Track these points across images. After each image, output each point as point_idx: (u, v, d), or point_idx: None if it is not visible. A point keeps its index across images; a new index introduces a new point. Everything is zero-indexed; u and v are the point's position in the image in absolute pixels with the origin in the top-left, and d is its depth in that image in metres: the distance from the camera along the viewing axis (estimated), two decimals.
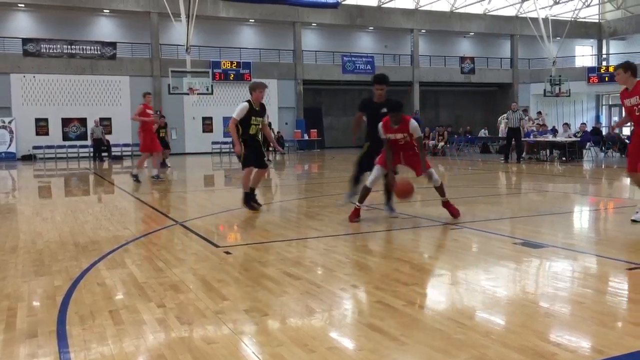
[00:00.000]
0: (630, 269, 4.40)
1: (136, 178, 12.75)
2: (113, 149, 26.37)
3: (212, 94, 25.82)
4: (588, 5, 36.69)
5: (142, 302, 3.76)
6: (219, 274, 4.46)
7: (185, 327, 3.29)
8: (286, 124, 31.17)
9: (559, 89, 32.70)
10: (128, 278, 4.40)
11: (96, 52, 28.09)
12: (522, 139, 18.37)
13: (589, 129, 20.25)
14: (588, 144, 19.19)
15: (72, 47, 27.60)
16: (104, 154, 25.02)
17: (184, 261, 5.01)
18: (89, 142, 25.71)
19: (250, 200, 7.93)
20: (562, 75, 33.04)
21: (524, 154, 18.49)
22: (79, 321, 3.41)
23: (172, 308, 3.63)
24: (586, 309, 3.50)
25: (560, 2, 34.19)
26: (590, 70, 36.57)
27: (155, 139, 13.37)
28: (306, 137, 31.80)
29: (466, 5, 34.31)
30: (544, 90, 33.12)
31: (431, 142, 22.96)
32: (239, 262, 4.95)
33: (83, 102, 27.79)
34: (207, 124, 30.45)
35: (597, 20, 39.83)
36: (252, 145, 7.84)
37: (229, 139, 30.80)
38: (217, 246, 5.59)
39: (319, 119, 34.03)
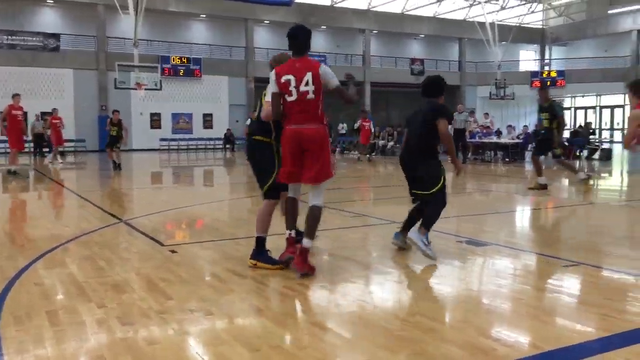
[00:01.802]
0: (567, 266, 4.58)
1: (13, 172, 13.41)
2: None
3: (160, 89, 25.25)
4: (532, 12, 38.02)
5: (81, 303, 3.64)
6: (163, 273, 4.37)
7: (127, 328, 3.20)
8: (237, 121, 30.86)
9: (504, 92, 33.77)
10: (67, 278, 4.25)
11: (38, 44, 26.99)
12: (468, 140, 18.83)
13: (530, 131, 20.97)
14: (530, 145, 19.86)
15: (13, 37, 26.41)
16: (45, 149, 24.07)
17: (127, 260, 4.88)
18: (29, 136, 24.67)
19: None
20: (507, 79, 34.12)
21: (469, 155, 18.97)
22: (14, 322, 3.27)
23: (114, 308, 3.53)
24: (525, 305, 3.63)
25: (506, 7, 35.28)
26: (534, 74, 37.90)
27: (22, 137, 14.07)
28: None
29: (417, 8, 34.92)
30: (490, 93, 34.12)
31: (381, 142, 23.25)
32: (185, 261, 4.86)
33: (24, 95, 26.54)
34: (155, 120, 29.81)
35: (540, 26, 41.32)
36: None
37: (177, 136, 30.35)
38: (162, 245, 5.48)
39: None
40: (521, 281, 4.26)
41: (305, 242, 4.24)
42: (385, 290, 4.07)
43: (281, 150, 4.39)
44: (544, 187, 9.86)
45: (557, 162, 10.49)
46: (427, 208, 5.06)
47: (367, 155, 20.12)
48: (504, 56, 34.89)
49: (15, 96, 13.96)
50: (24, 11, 27.67)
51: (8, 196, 10.74)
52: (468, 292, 4.01)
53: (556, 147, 9.87)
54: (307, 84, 4.14)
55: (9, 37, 26.36)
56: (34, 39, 26.93)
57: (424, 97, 5.28)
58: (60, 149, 19.53)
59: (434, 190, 5.00)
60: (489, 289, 4.10)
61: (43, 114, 24.12)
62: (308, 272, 4.18)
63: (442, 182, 5.01)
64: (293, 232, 4.51)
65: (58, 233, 6.14)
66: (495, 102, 34.49)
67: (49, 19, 28.47)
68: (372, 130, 20.47)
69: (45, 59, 27.01)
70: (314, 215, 4.30)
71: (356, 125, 20.08)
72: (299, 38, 4.38)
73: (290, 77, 4.19)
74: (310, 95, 4.15)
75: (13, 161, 13.89)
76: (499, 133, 21.89)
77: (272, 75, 4.29)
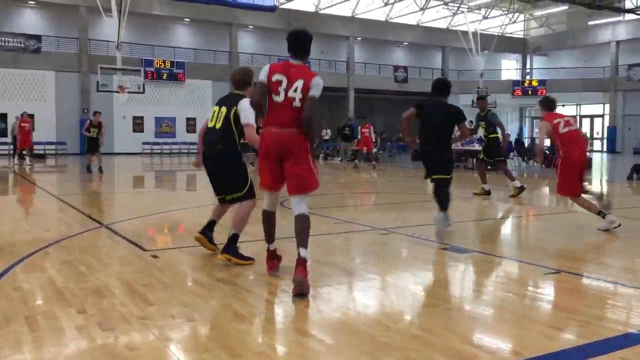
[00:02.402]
0: (547, 273, 4.64)
1: None
2: (35, 146, 25.00)
3: (143, 92, 25.07)
4: (514, 22, 38.56)
5: (61, 308, 3.58)
6: (145, 279, 4.33)
7: (108, 334, 3.16)
8: None
9: (486, 101, 34.15)
10: (47, 283, 4.19)
11: (19, 45, 26.62)
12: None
13: (512, 139, 21.23)
14: (511, 154, 20.10)
15: None
16: (25, 152, 23.69)
17: (108, 265, 4.82)
18: (9, 139, 24.27)
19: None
20: (489, 88, 34.52)
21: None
22: None
23: (94, 314, 3.49)
24: (506, 312, 3.66)
25: (489, 17, 35.74)
26: (515, 83, 38.40)
27: None
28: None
29: (401, 16, 35.21)
30: (472, 101, 34.46)
31: (364, 148, 23.29)
32: (167, 266, 4.82)
33: (4, 97, 26.27)
34: (137, 124, 29.58)
35: (522, 36, 41.91)
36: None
37: (160, 139, 30.14)
38: (144, 250, 5.42)
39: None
40: (503, 288, 4.30)
41: (303, 252, 4.03)
42: (368, 297, 4.08)
43: (258, 157, 4.31)
44: (487, 192, 10.32)
45: (500, 168, 11.01)
46: (443, 191, 6.27)
47: (355, 162, 20.13)
48: (486, 65, 35.31)
49: None
50: (5, 12, 27.33)
51: None
52: (451, 299, 4.04)
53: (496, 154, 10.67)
54: (295, 90, 4.03)
55: None
56: (15, 40, 26.57)
57: (436, 96, 6.73)
58: (25, 152, 19.51)
59: (451, 175, 6.41)
60: (472, 295, 4.13)
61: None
62: (302, 280, 3.91)
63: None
64: (273, 246, 4.45)
65: (38, 237, 6.04)
66: (476, 110, 34.78)
67: (30, 20, 28.14)
68: (372, 137, 20.49)
69: (27, 61, 26.66)
70: (304, 225, 4.12)
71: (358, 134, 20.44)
72: (300, 43, 4.24)
73: (282, 77, 4.07)
74: (297, 103, 4.03)
75: None
76: (481, 141, 22.08)
77: (265, 68, 4.17)
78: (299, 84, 4.03)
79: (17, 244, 5.66)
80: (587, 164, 7.38)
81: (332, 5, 32.87)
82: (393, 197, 10.72)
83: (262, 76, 4.13)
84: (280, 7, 31.37)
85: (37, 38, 26.99)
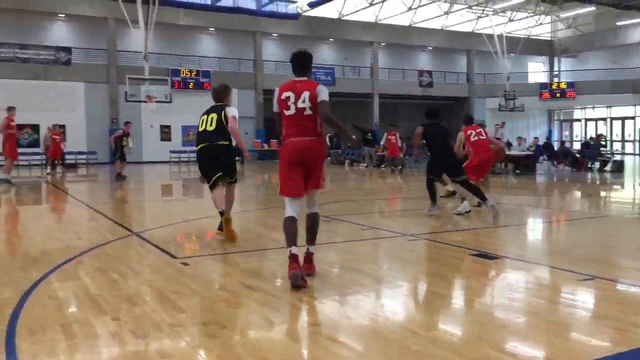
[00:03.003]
0: (582, 280, 4.54)
1: (6, 181, 14.37)
2: (67, 156, 25.57)
3: (170, 102, 25.44)
4: (541, 24, 38.05)
5: (95, 316, 3.65)
6: (175, 286, 4.38)
7: (140, 341, 3.21)
8: (246, 133, 30.98)
9: (513, 103, 33.72)
10: (81, 290, 4.27)
11: (50, 57, 27.31)
12: None
13: (541, 143, 20.92)
14: (541, 157, 19.80)
15: (25, 51, 26.76)
16: (56, 162, 24.23)
17: (139, 273, 4.90)
18: (41, 149, 24.85)
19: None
20: (516, 91, 34.09)
21: None
22: (29, 335, 3.29)
23: (127, 321, 3.54)
24: (540, 320, 3.60)
25: (514, 19, 35.35)
26: (543, 86, 37.85)
27: (15, 147, 15.04)
28: (266, 147, 31.69)
29: (425, 20, 35.05)
30: (499, 104, 34.09)
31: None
32: (197, 273, 4.87)
33: (36, 108, 26.92)
34: (165, 133, 30.00)
35: (549, 38, 41.32)
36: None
37: (187, 148, 30.52)
38: (174, 257, 5.49)
39: None
40: (535, 295, 4.23)
41: (311, 248, 4.66)
42: (397, 304, 4.06)
43: (280, 164, 4.66)
44: (452, 193, 10.36)
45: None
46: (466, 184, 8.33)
47: (393, 168, 19.98)
48: (513, 68, 34.89)
49: (11, 109, 15.15)
50: (36, 25, 28.05)
51: (22, 208, 10.82)
52: (481, 306, 3.99)
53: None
54: (304, 101, 4.48)
55: (22, 50, 26.71)
56: (46, 52, 27.26)
57: (431, 119, 8.62)
58: (56, 161, 20.71)
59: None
60: (503, 302, 4.06)
61: (55, 127, 24.36)
62: (312, 272, 4.56)
63: None
64: (295, 249, 4.48)
65: (72, 245, 6.17)
66: (504, 113, 34.42)
67: (60, 33, 28.84)
68: (399, 143, 20.62)
69: (57, 73, 27.31)
70: (315, 221, 4.70)
71: (382, 141, 20.58)
72: (299, 62, 4.69)
73: (290, 94, 4.54)
74: (308, 112, 4.48)
75: (4, 170, 15.00)
76: (509, 145, 21.84)
77: (275, 93, 4.69)
78: (306, 95, 4.50)
79: (52, 252, 5.79)
80: (491, 164, 10.03)
81: (355, 12, 32.91)
82: (419, 203, 10.63)
83: (275, 108, 4.69)
84: (303, 14, 31.55)
85: (68, 50, 27.64)
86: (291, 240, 4.53)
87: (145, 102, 24.01)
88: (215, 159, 6.25)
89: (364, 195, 12.51)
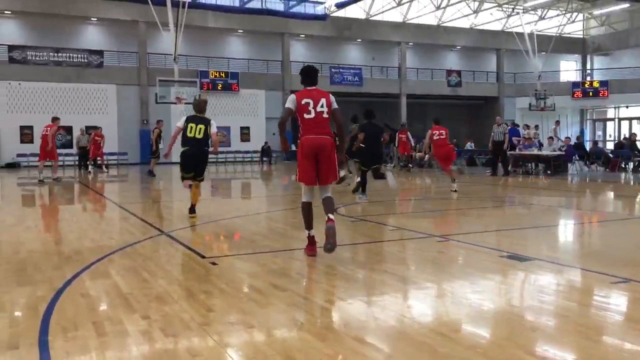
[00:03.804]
0: (615, 282, 4.44)
1: (56, 180, 16.45)
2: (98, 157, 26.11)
3: None
4: (573, 21, 37.31)
5: (126, 314, 3.71)
6: (204, 285, 4.43)
7: (170, 339, 3.25)
8: (273, 134, 31.15)
9: (544, 103, 33.11)
10: (112, 289, 4.35)
11: (83, 60, 27.93)
12: (509, 152, 18.51)
13: (572, 142, 20.49)
14: (573, 157, 19.40)
15: (59, 54, 27.43)
16: (89, 163, 24.75)
17: (169, 272, 4.96)
18: (74, 150, 25.43)
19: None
20: (547, 90, 33.47)
21: (510, 167, 18.66)
22: (62, 332, 3.36)
23: (157, 320, 3.59)
24: (571, 323, 3.53)
25: (545, 17, 34.73)
26: (575, 85, 37.09)
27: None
28: (293, 147, 31.81)
29: (453, 20, 34.71)
30: (530, 104, 33.52)
31: (418, 154, 23.07)
32: (225, 273, 4.91)
33: (69, 110, 27.56)
34: (218, 134, 30.31)
35: (581, 36, 40.48)
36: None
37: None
38: (203, 257, 5.55)
39: None
40: (566, 297, 4.15)
41: (332, 216, 5.31)
42: (425, 306, 4.02)
43: (299, 156, 5.49)
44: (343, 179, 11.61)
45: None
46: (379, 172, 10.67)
47: (404, 165, 20.52)
48: (544, 67, 34.29)
49: (57, 119, 17.16)
50: (70, 29, 28.70)
51: (55, 208, 11.08)
52: (511, 308, 3.92)
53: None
54: (322, 105, 5.42)
55: (56, 54, 27.37)
56: (79, 55, 27.87)
57: (370, 119, 10.64)
58: (99, 162, 22.18)
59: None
60: (533, 305, 3.99)
61: (87, 128, 24.90)
62: (333, 225, 5.25)
63: None
64: (312, 232, 5.48)
65: (103, 244, 6.30)
66: (534, 113, 33.85)
67: (93, 37, 29.44)
68: (411, 141, 21.39)
69: (90, 75, 27.91)
70: (330, 201, 5.47)
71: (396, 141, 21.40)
72: (311, 74, 5.71)
73: (309, 100, 5.42)
74: (325, 115, 5.43)
75: (40, 169, 16.69)
76: (540, 145, 21.45)
77: (292, 97, 5.53)
78: (323, 101, 5.45)
79: (84, 251, 5.91)
80: (450, 157, 12.78)
81: (382, 12, 32.78)
82: (447, 204, 10.53)
83: (290, 104, 5.46)
84: (331, 15, 31.57)
85: (100, 53, 28.22)
86: (309, 224, 5.49)
87: (175, 103, 24.34)
88: (197, 160, 8.20)
89: (391, 195, 12.44)
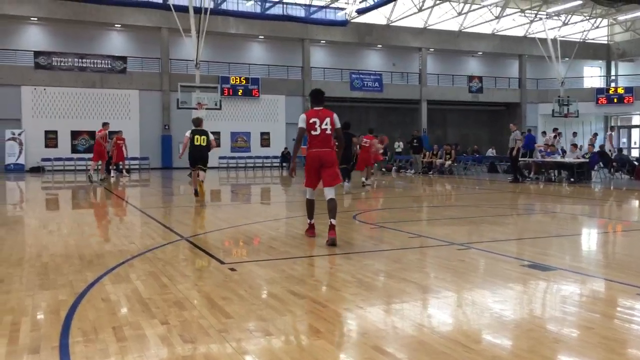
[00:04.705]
0: None
1: (102, 180, 18.60)
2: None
3: (220, 109, 25.92)
4: (597, 27, 36.79)
5: (145, 319, 3.73)
6: (223, 291, 4.44)
7: (189, 345, 3.26)
8: (293, 139, 31.24)
9: (568, 109, 32.65)
10: (132, 294, 4.38)
11: (106, 66, 28.36)
12: (531, 160, 18.32)
13: (595, 150, 20.18)
14: (597, 165, 19.10)
15: (83, 60, 27.90)
16: (111, 167, 25.07)
17: (188, 277, 4.99)
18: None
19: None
20: (571, 96, 33.02)
21: (532, 174, 18.45)
22: (82, 337, 3.39)
23: (176, 325, 3.61)
24: (595, 335, 3.45)
25: (569, 23, 34.31)
26: (599, 91, 36.55)
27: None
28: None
29: (475, 25, 34.48)
30: (552, 110, 33.09)
31: (438, 161, 22.94)
32: (244, 279, 4.92)
33: (92, 115, 28.00)
34: (214, 139, 30.50)
35: (606, 42, 39.91)
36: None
37: (236, 154, 31.08)
38: (222, 262, 5.57)
39: None
40: (591, 309, 4.06)
41: (333, 221, 6.42)
42: (445, 315, 3.97)
43: (305, 166, 6.76)
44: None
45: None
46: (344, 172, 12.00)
47: (424, 172, 20.76)
48: (567, 73, 33.87)
49: (106, 124, 19.38)
50: (94, 35, 29.18)
51: (77, 212, 11.23)
52: (533, 319, 3.85)
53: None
54: (326, 124, 6.57)
55: (80, 60, 27.84)
56: (103, 61, 28.31)
57: (347, 130, 12.38)
58: (121, 166, 22.73)
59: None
60: (556, 316, 3.92)
61: (111, 133, 25.25)
62: (335, 238, 6.33)
63: None
64: (313, 221, 6.96)
65: (124, 249, 6.36)
66: (557, 120, 33.41)
67: (116, 43, 29.90)
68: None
69: (113, 81, 28.32)
70: (333, 204, 6.54)
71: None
72: (319, 97, 6.82)
73: (316, 119, 6.58)
74: (328, 132, 6.59)
75: (102, 171, 19.28)
76: (563, 152, 21.18)
77: (302, 116, 6.70)
78: (328, 120, 6.61)
79: (105, 255, 5.97)
80: (366, 161, 15.86)
81: (403, 17, 32.70)
82: (468, 211, 10.43)
83: (302, 124, 6.65)
84: (351, 21, 31.60)
85: (123, 59, 28.63)
86: (310, 215, 6.95)
87: (196, 109, 24.55)
88: (202, 158, 11.73)
89: (411, 202, 12.37)
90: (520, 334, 3.52)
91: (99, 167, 19.31)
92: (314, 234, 6.93)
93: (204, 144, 11.58)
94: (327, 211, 6.47)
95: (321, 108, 6.70)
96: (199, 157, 11.57)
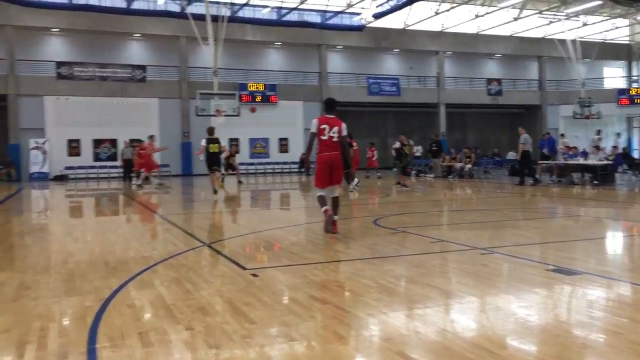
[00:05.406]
0: None
1: (147, 181, 20.54)
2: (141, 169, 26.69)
3: (238, 115, 26.09)
4: (617, 27, 36.29)
5: (170, 324, 3.76)
6: (246, 297, 4.45)
7: (213, 351, 3.28)
8: None
9: (589, 111, 32.23)
10: (156, 299, 4.43)
11: (127, 75, 28.76)
12: (553, 162, 18.12)
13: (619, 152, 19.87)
14: (621, 167, 18.81)
15: (104, 70, 28.33)
16: (133, 175, 25.35)
17: (211, 283, 5.02)
18: (119, 162, 26.13)
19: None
20: (592, 97, 32.59)
21: (554, 177, 18.28)
22: (109, 342, 3.43)
23: (200, 331, 3.63)
24: (623, 340, 3.39)
25: (589, 24, 33.90)
26: (621, 92, 36.04)
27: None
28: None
29: (493, 27, 34.24)
30: (574, 112, 32.69)
31: (458, 165, 22.79)
32: (267, 285, 4.93)
33: (114, 124, 28.40)
34: (233, 146, 30.70)
35: (627, 42, 39.33)
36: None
37: (254, 160, 31.24)
38: (244, 268, 5.59)
39: None
40: (618, 314, 3.99)
41: (335, 217, 7.59)
42: (469, 320, 3.94)
43: (317, 168, 7.59)
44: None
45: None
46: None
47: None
48: (588, 73, 33.45)
49: (153, 136, 21.82)
50: (114, 45, 29.63)
51: (101, 219, 11.38)
52: (559, 324, 3.80)
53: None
54: (334, 132, 7.46)
55: (101, 69, 28.28)
56: (123, 70, 28.72)
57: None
58: (150, 174, 22.44)
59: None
60: (583, 321, 3.86)
61: (132, 141, 25.55)
62: (336, 232, 7.48)
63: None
64: (326, 207, 7.68)
65: (147, 255, 6.43)
66: (579, 121, 32.99)
67: (136, 52, 30.31)
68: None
69: (133, 89, 28.70)
70: (337, 201, 7.76)
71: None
72: (332, 105, 7.71)
73: (326, 126, 7.48)
74: (335, 138, 7.48)
75: (141, 179, 20.51)
76: (585, 154, 20.91)
77: (314, 121, 7.56)
78: (336, 129, 7.49)
79: (129, 261, 6.04)
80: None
81: (420, 21, 32.62)
82: (490, 215, 10.34)
83: (313, 129, 7.56)
84: (368, 25, 31.61)
85: (143, 68, 29.01)
86: (323, 204, 7.71)
87: (214, 115, 24.75)
88: (216, 161, 14.48)
89: (431, 206, 12.30)
90: (547, 339, 3.48)
91: (147, 174, 20.79)
92: (330, 212, 7.65)
93: (217, 150, 14.27)
94: (331, 207, 7.51)
95: (333, 116, 7.53)
96: (214, 162, 14.19)
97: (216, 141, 14.29)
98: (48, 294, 4.72)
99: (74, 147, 28.07)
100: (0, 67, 27.06)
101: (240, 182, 21.09)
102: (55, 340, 3.52)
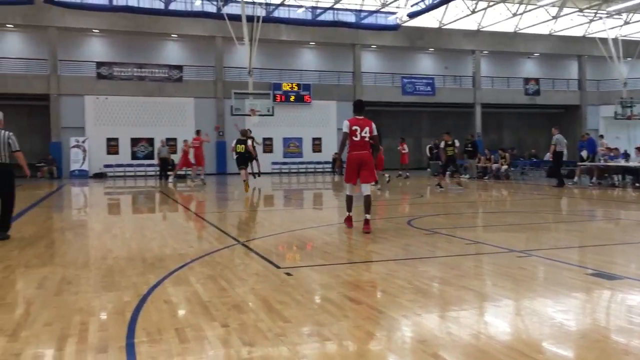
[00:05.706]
0: None
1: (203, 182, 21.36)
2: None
3: (272, 115, 26.28)
4: None
5: (206, 321, 3.82)
6: (280, 296, 4.49)
7: (248, 348, 3.31)
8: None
9: (631, 111, 31.29)
10: (193, 296, 4.50)
11: (164, 75, 29.28)
12: (593, 163, 17.67)
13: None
14: None
15: (142, 70, 28.92)
16: (169, 173, 25.80)
17: (245, 281, 5.07)
18: (155, 161, 26.65)
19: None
20: (634, 97, 31.63)
21: (594, 179, 17.83)
22: (147, 337, 3.51)
23: (235, 328, 3.67)
24: None
25: (631, 22, 32.93)
26: None
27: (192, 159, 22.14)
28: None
29: (531, 26, 33.58)
30: (615, 112, 31.80)
31: (494, 165, 22.43)
32: (300, 284, 4.96)
33: (151, 123, 28.97)
34: (267, 145, 31.01)
35: None
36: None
37: (288, 159, 31.42)
38: (278, 267, 5.63)
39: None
40: None
41: (367, 215, 7.83)
42: (505, 323, 3.88)
43: (347, 166, 8.00)
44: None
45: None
46: None
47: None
48: (630, 73, 32.50)
49: (200, 131, 22.74)
50: (152, 46, 30.22)
51: (138, 216, 11.62)
52: (598, 329, 3.71)
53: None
54: (365, 132, 7.79)
55: (139, 69, 28.87)
56: (160, 70, 29.26)
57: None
58: (199, 170, 22.65)
59: None
60: (623, 326, 3.76)
61: (168, 140, 26.02)
62: (370, 231, 7.67)
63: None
64: (351, 213, 8.28)
65: (183, 252, 6.54)
66: (620, 122, 32.07)
67: (173, 52, 30.84)
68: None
69: (170, 89, 29.21)
70: (368, 200, 7.91)
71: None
72: (361, 107, 8.03)
73: (357, 127, 7.80)
74: (367, 138, 7.83)
75: (194, 174, 22.09)
76: (627, 156, 20.32)
77: (346, 123, 7.88)
78: (367, 129, 7.82)
79: (166, 258, 6.16)
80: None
81: (456, 20, 32.23)
82: (526, 217, 10.15)
83: (345, 129, 7.86)
84: (403, 25, 31.41)
85: (179, 68, 29.50)
86: (349, 208, 8.27)
87: (249, 115, 24.98)
88: (245, 159, 15.90)
89: (466, 207, 12.14)
90: (586, 344, 3.40)
91: (199, 171, 21.81)
92: (351, 225, 8.11)
93: (243, 151, 15.68)
94: (363, 206, 7.83)
95: (362, 117, 7.87)
96: (241, 160, 15.83)
97: (243, 142, 15.54)
98: (88, 288, 4.85)
99: (112, 146, 28.75)
100: (43, 68, 27.91)
101: (255, 175, 20.27)
102: (95, 334, 3.62)
